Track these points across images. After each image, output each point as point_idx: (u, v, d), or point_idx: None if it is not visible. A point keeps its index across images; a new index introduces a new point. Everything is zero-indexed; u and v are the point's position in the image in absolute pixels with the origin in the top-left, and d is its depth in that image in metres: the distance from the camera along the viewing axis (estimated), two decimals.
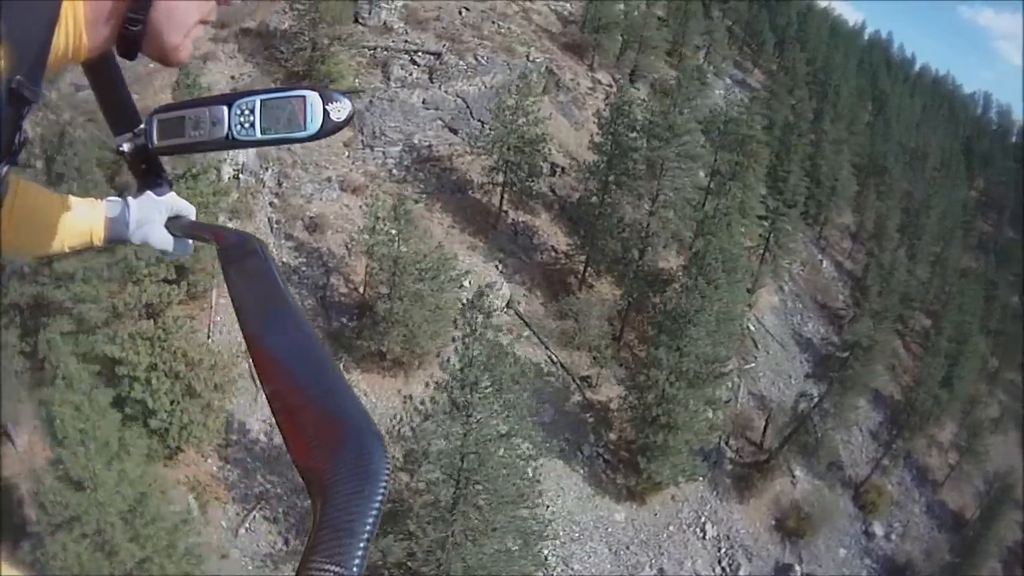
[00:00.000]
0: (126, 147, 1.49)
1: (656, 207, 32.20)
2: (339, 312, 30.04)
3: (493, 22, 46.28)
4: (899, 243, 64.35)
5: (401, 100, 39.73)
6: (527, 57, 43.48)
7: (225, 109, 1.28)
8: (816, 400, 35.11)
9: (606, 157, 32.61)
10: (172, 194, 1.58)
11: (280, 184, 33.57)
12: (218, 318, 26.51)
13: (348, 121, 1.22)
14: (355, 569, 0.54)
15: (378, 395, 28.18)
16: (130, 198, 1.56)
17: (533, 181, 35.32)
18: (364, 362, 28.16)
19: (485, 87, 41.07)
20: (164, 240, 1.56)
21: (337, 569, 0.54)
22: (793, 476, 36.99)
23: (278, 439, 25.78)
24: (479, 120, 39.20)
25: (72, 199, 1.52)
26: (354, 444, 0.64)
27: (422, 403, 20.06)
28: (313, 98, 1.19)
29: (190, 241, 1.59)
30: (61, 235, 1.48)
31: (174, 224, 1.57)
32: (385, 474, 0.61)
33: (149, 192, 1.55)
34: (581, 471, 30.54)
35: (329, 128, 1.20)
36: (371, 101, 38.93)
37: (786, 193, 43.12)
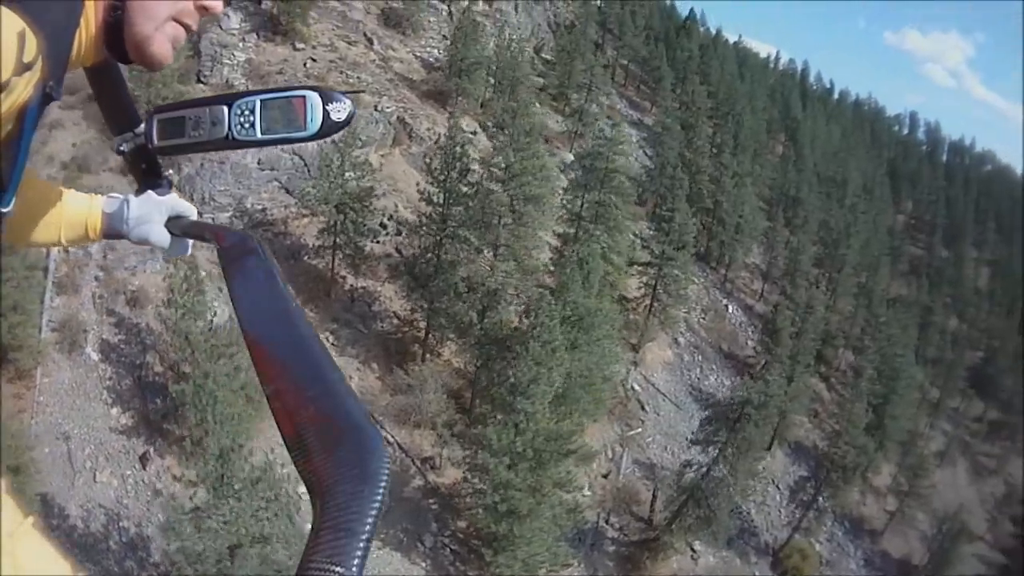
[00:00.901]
0: (126, 147, 1.57)
1: (496, 259, 30.06)
2: (153, 393, 27.63)
3: (342, 72, 44.56)
4: (817, 278, 63.24)
5: (233, 161, 37.31)
6: (375, 108, 41.71)
7: (225, 109, 1.35)
8: (705, 469, 32.42)
9: (440, 208, 30.57)
10: (173, 194, 1.66)
11: (105, 256, 31.49)
12: (41, 398, 25.36)
13: (348, 121, 1.29)
14: (356, 569, 0.56)
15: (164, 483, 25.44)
16: (131, 196, 1.64)
17: (363, 240, 32.94)
18: (173, 447, 25.73)
19: (324, 143, 39.12)
20: (163, 239, 1.63)
21: (338, 569, 0.55)
22: (693, 551, 34.00)
23: (95, 524, 23.41)
24: (316, 179, 37.32)
25: (70, 192, 1.61)
26: (354, 444, 0.65)
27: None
28: (313, 98, 1.26)
29: (189, 241, 1.65)
30: (58, 227, 1.57)
31: (174, 224, 1.63)
32: (385, 474, 0.63)
33: (150, 192, 1.62)
34: (424, 564, 27.57)
35: (329, 128, 1.27)
36: (201, 164, 36.65)
37: (672, 234, 41.61)
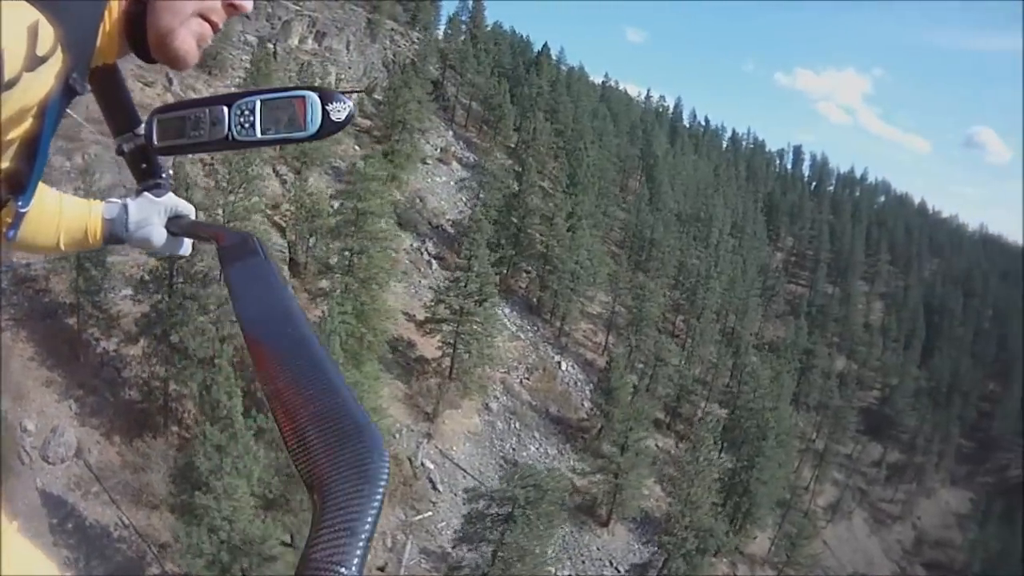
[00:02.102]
0: (126, 147, 1.64)
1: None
2: None
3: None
4: (674, 325, 61.52)
5: None
6: None
7: (225, 109, 1.41)
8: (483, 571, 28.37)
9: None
10: (171, 195, 1.73)
11: None
12: None
13: (348, 121, 1.35)
14: (356, 569, 0.58)
15: None
16: (128, 200, 1.71)
17: (105, 298, 29.98)
18: None
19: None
20: (164, 240, 1.72)
21: (338, 569, 0.57)
22: None
23: None
24: None
25: (68, 197, 1.67)
26: (354, 444, 0.69)
27: None
28: (313, 98, 1.33)
29: (189, 241, 1.75)
30: (59, 233, 1.63)
31: (174, 224, 1.72)
32: (384, 474, 0.66)
33: (147, 193, 1.70)
34: None
35: (329, 128, 1.33)
36: None
37: (470, 285, 38.77)
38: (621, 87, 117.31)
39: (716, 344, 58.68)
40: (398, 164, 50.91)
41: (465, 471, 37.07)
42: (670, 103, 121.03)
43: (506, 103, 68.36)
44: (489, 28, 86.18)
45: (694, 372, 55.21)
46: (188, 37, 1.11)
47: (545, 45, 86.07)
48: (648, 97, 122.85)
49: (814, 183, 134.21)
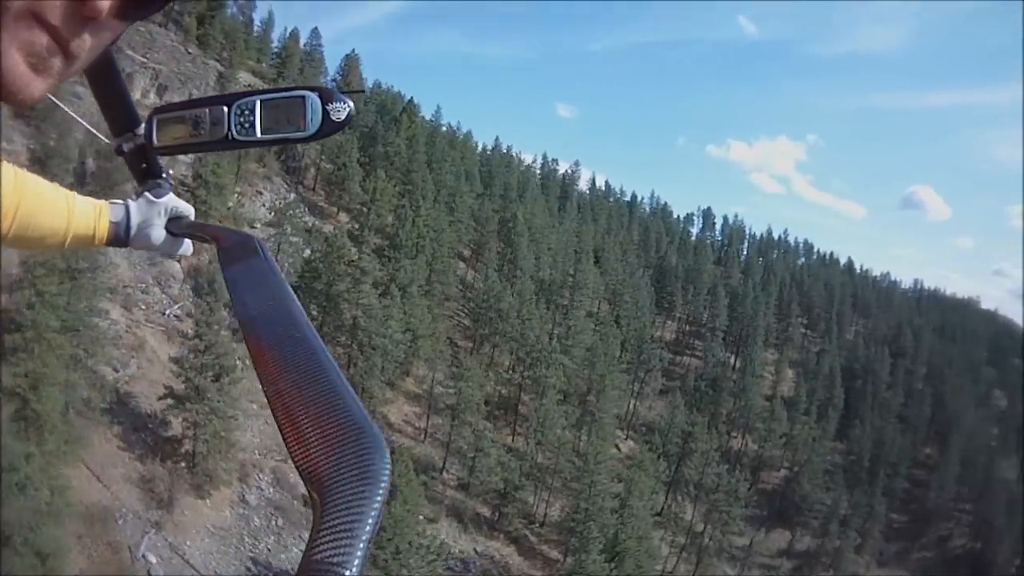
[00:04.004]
0: (126, 147, 1.77)
1: None
2: None
3: None
4: (515, 404, 60.58)
5: None
6: None
7: (225, 109, 1.49)
8: None
9: None
10: (171, 195, 1.85)
11: None
12: None
13: (348, 121, 1.42)
14: (356, 570, 0.62)
15: None
16: (130, 201, 1.83)
17: None
18: None
19: None
20: (165, 242, 1.85)
21: (339, 570, 0.61)
22: None
23: None
24: None
25: (80, 198, 1.77)
26: (354, 445, 0.73)
27: None
28: (313, 98, 1.40)
29: (189, 242, 1.88)
30: (65, 234, 1.72)
31: (175, 225, 1.84)
32: (385, 475, 0.70)
33: (147, 194, 1.83)
34: None
35: (329, 128, 1.40)
36: None
37: (204, 358, 37.29)
38: (516, 153, 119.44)
39: (573, 428, 57.85)
40: None
41: (196, 570, 34.54)
42: (590, 174, 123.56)
43: (351, 162, 68.61)
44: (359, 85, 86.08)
45: (537, 460, 54.11)
46: (11, 51, 0.76)
47: (410, 101, 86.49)
48: (546, 161, 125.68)
49: (724, 247, 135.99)
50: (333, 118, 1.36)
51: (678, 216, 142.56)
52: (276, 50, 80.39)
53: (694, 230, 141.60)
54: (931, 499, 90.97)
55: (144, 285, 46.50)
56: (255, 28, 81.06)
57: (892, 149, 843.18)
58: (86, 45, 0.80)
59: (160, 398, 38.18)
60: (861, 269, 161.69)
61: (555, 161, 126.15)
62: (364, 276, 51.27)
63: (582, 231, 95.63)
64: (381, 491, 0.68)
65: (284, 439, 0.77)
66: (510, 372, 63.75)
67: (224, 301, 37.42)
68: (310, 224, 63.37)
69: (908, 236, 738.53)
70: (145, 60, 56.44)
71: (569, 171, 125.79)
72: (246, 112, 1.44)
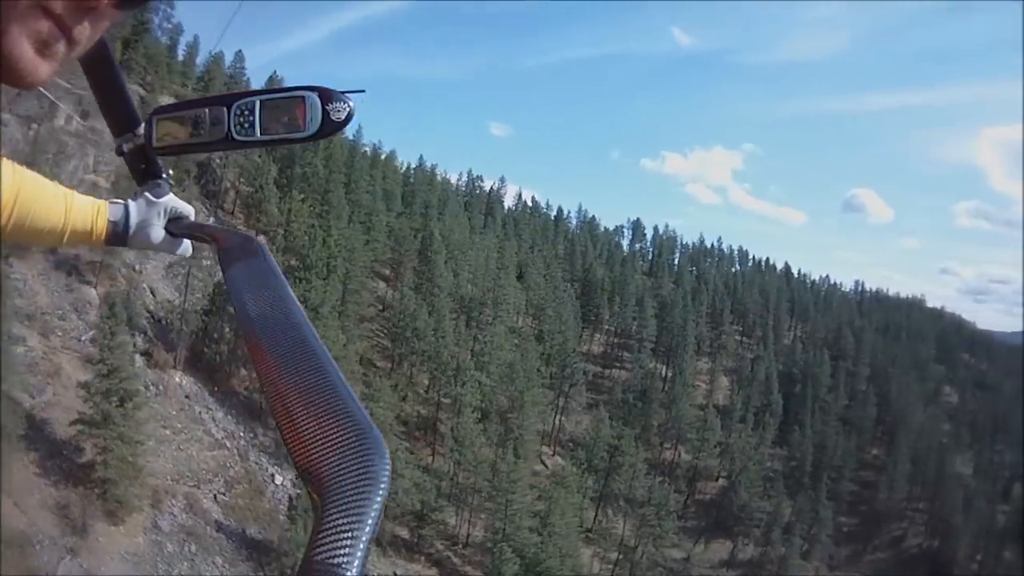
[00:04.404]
0: (126, 147, 1.85)
1: None
2: None
3: None
4: (435, 423, 61.67)
5: None
6: None
7: (225, 109, 1.57)
8: None
9: None
10: (171, 195, 1.92)
11: None
12: None
13: (348, 121, 1.47)
14: (357, 570, 0.64)
15: None
16: (130, 201, 1.90)
17: None
18: None
19: None
20: (164, 242, 1.91)
21: (339, 571, 0.63)
22: None
23: None
24: None
25: (79, 197, 1.84)
26: (355, 446, 0.76)
27: None
28: (313, 98, 1.45)
29: (188, 242, 1.94)
30: (63, 232, 1.79)
31: (174, 225, 1.91)
32: (385, 476, 0.73)
33: (147, 194, 1.89)
34: None
35: (329, 128, 1.46)
36: None
37: (107, 382, 38.16)
38: (441, 172, 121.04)
39: (494, 445, 58.77)
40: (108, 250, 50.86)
41: None
42: (517, 190, 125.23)
43: (268, 184, 69.47)
44: None
45: (458, 479, 54.93)
46: (22, 39, 0.85)
47: None
48: (472, 180, 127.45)
49: (652, 258, 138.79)
50: (333, 118, 1.43)
51: (607, 229, 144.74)
52: (199, 74, 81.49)
53: (625, 243, 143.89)
54: (881, 500, 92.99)
55: (61, 311, 46.68)
56: (180, 52, 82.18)
57: (832, 153, 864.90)
58: (87, 32, 0.89)
59: (71, 423, 38.88)
60: (799, 274, 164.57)
61: (480, 178, 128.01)
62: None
63: (504, 247, 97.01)
64: (381, 491, 0.71)
65: (284, 439, 0.80)
66: (428, 391, 64.69)
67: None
68: None
69: (851, 239, 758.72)
70: (70, 86, 57.01)
71: (494, 188, 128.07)
72: (246, 112, 1.53)
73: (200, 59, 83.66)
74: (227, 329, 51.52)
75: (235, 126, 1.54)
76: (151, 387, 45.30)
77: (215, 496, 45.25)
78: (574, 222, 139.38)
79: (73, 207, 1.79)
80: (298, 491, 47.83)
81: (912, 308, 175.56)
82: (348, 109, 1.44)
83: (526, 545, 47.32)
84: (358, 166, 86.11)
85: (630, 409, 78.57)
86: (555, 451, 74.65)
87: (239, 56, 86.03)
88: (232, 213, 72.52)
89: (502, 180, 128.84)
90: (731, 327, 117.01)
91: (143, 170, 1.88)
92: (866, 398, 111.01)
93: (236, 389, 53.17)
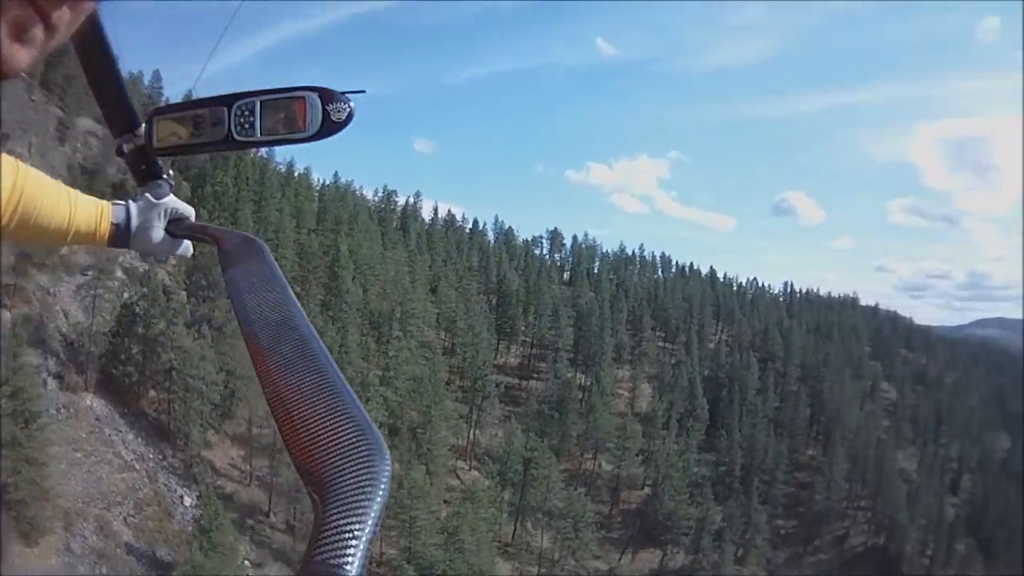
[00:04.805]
0: (126, 148, 1.88)
1: None
2: None
3: None
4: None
5: None
6: None
7: (225, 110, 1.62)
8: None
9: None
10: (172, 196, 1.97)
11: None
12: None
13: (349, 121, 1.51)
14: (357, 571, 0.66)
15: None
16: (131, 202, 1.94)
17: None
18: None
19: None
20: (165, 243, 1.97)
21: (340, 571, 0.65)
22: None
23: None
24: None
25: (83, 197, 1.89)
26: (355, 445, 0.78)
27: None
28: (313, 99, 1.51)
29: (189, 243, 2.00)
30: (67, 232, 1.84)
31: (175, 226, 1.97)
32: (386, 476, 0.75)
33: (148, 195, 1.94)
34: None
35: (329, 128, 1.51)
36: None
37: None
38: (357, 188, 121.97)
39: (404, 462, 59.04)
40: (19, 271, 51.64)
41: None
42: (433, 205, 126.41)
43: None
44: None
45: None
46: (1, 26, 0.85)
47: None
48: (388, 195, 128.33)
49: (571, 268, 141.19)
50: (333, 118, 1.48)
51: (525, 240, 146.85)
52: None
53: (545, 253, 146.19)
54: (819, 501, 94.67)
55: None
56: None
57: (760, 158, 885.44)
58: (65, 18, 0.91)
59: None
60: (725, 278, 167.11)
61: (394, 193, 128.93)
62: (177, 317, 52.60)
63: (417, 261, 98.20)
64: (382, 492, 0.74)
65: (284, 439, 0.84)
66: None
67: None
68: (137, 268, 63.96)
69: (781, 242, 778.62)
70: None
71: (410, 203, 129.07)
72: (246, 113, 1.57)
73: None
74: (135, 350, 51.99)
75: (236, 126, 1.60)
76: (62, 409, 46.17)
77: (125, 518, 46.19)
78: (491, 234, 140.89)
79: (78, 208, 1.84)
80: (201, 512, 48.19)
81: (844, 306, 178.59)
82: (348, 109, 1.50)
83: (435, 562, 47.66)
84: (269, 184, 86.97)
85: (546, 420, 79.50)
86: (472, 465, 75.60)
87: (156, 76, 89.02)
88: None
89: (417, 195, 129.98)
90: (653, 334, 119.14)
91: (143, 171, 1.92)
92: (798, 399, 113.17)
93: (145, 410, 53.68)
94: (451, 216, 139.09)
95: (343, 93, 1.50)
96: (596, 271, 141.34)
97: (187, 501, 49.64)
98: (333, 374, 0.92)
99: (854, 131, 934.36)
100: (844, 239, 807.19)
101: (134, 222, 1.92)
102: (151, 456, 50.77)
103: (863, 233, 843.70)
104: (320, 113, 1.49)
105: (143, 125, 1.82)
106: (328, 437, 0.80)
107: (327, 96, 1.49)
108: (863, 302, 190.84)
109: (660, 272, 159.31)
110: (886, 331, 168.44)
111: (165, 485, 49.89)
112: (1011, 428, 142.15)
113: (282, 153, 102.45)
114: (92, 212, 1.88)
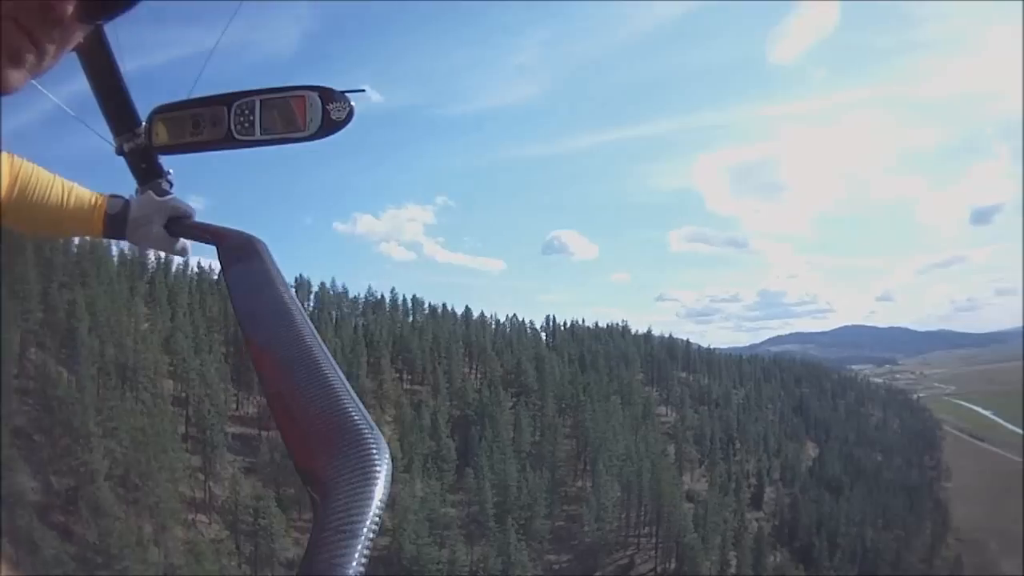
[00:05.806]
0: (126, 147, 2.08)
1: None
2: None
3: None
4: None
5: None
6: None
7: (225, 109, 1.78)
8: None
9: None
10: (174, 195, 2.16)
11: None
12: None
13: (348, 120, 1.61)
14: (356, 570, 0.71)
15: None
16: (132, 197, 2.14)
17: None
18: None
19: None
20: (163, 241, 2.15)
21: (340, 570, 0.70)
22: None
23: None
24: None
25: (76, 187, 2.08)
26: (355, 445, 0.85)
27: None
28: (313, 98, 1.61)
29: (189, 243, 2.15)
30: (61, 221, 2.07)
31: (175, 224, 2.14)
32: (387, 476, 0.82)
33: (150, 193, 2.13)
34: None
35: (329, 128, 1.61)
36: None
37: None
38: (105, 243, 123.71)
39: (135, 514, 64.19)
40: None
41: None
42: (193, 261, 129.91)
43: None
44: None
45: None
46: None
47: None
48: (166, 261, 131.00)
49: (314, 313, 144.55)
50: (333, 118, 1.66)
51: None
52: None
53: None
54: (588, 532, 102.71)
55: None
56: None
57: (530, 198, 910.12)
58: (55, 45, 1.14)
59: None
60: (481, 315, 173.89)
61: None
62: None
63: (154, 313, 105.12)
64: (381, 492, 0.82)
65: (284, 439, 0.93)
66: (67, 460, 69.75)
67: None
68: None
69: (554, 281, 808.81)
70: None
71: (160, 258, 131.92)
72: (246, 112, 1.77)
73: None
74: None
75: (235, 125, 1.81)
76: None
77: None
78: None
79: (71, 197, 2.09)
80: None
81: (612, 336, 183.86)
82: (348, 108, 1.69)
83: None
84: (17, 240, 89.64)
85: (279, 470, 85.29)
86: (211, 518, 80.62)
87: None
88: None
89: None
90: (395, 375, 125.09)
91: (144, 169, 2.15)
92: (556, 431, 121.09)
93: None
94: (201, 268, 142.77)
95: (343, 92, 1.71)
96: (342, 316, 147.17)
97: None
98: (332, 373, 1.01)
99: (631, 166, 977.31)
100: (622, 273, 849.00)
101: (132, 215, 2.15)
102: None
103: (642, 265, 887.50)
104: (320, 112, 1.69)
105: (143, 124, 2.09)
106: (328, 437, 0.89)
107: (327, 95, 1.70)
108: (639, 331, 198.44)
109: (412, 315, 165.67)
110: (660, 356, 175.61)
111: None
112: (817, 436, 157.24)
113: None
114: (87, 201, 2.16)
